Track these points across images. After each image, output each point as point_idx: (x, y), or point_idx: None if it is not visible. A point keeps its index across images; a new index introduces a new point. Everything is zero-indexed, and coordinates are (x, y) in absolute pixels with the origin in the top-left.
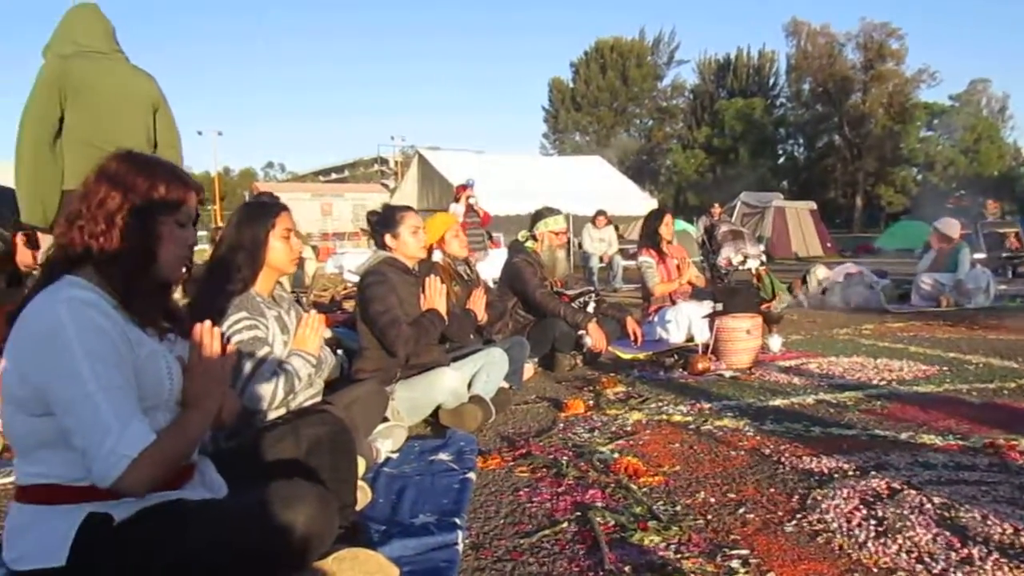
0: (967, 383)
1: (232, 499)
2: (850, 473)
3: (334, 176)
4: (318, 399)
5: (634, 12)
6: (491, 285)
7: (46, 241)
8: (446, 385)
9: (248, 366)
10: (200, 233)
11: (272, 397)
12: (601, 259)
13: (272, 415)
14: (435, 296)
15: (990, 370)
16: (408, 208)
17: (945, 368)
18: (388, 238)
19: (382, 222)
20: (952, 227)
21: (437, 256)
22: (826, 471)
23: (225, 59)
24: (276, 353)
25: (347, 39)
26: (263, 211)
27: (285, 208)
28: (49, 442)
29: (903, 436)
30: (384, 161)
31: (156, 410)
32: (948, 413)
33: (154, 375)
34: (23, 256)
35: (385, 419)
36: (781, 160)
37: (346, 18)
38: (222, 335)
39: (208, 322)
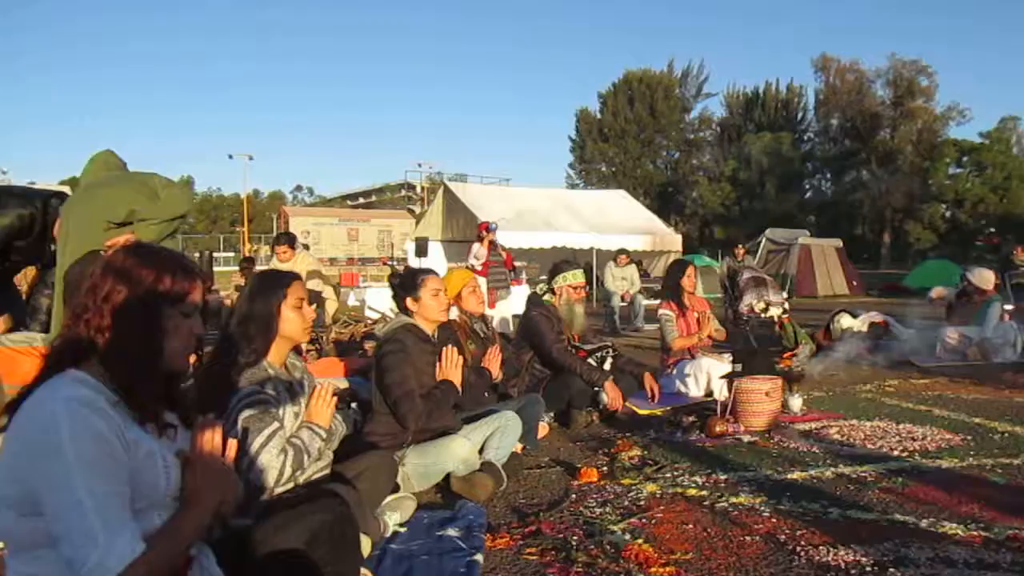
0: (992, 457)
1: None
2: (868, 569)
3: (361, 200)
4: (327, 471)
5: (663, 44)
6: (511, 320)
7: None
8: (457, 454)
9: (257, 442)
10: (227, 254)
11: (280, 474)
12: (623, 298)
13: (279, 490)
14: (451, 367)
15: (1015, 441)
16: (429, 271)
17: (969, 437)
18: (409, 301)
19: (403, 285)
20: (986, 280)
21: (454, 313)
22: (843, 565)
23: (257, 82)
24: (287, 426)
25: (377, 64)
26: (275, 282)
27: (297, 278)
28: (41, 543)
29: (923, 523)
30: (411, 187)
31: (151, 510)
32: (971, 495)
33: (150, 476)
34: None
35: (396, 486)
36: (808, 195)
37: (377, 44)
38: (224, 428)
39: (211, 415)
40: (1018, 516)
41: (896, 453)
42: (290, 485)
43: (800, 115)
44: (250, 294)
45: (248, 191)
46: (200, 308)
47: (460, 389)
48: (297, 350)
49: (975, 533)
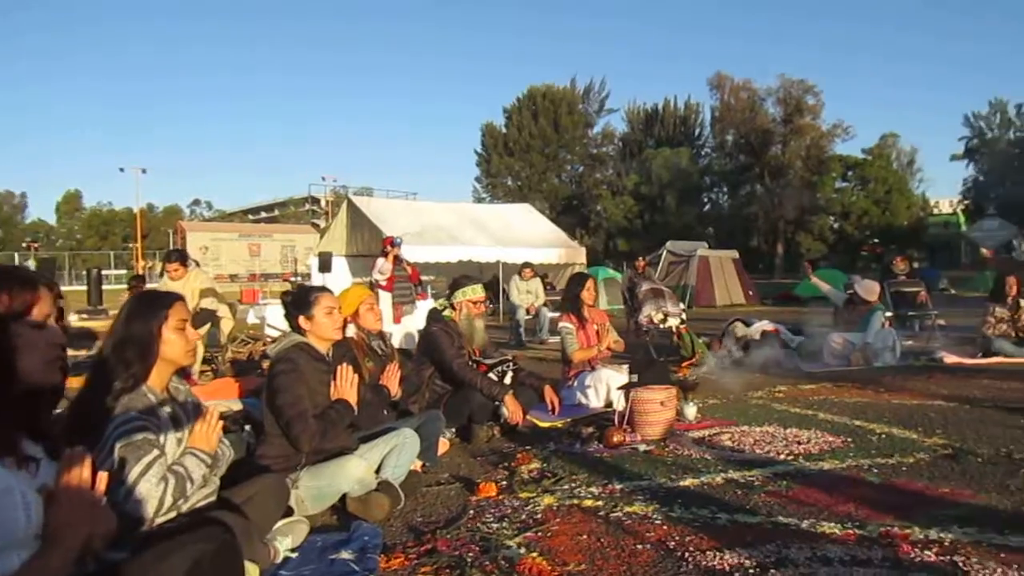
0: (869, 457)
1: None
2: (751, 571)
3: (263, 215)
4: (213, 498)
5: (566, 61)
6: (415, 334)
7: None
8: (352, 474)
9: (135, 471)
10: (119, 272)
11: (160, 503)
12: (528, 311)
13: (160, 520)
14: (346, 386)
15: (891, 441)
16: (323, 289)
17: (850, 439)
18: (302, 320)
19: (295, 303)
20: (870, 291)
21: (351, 331)
22: (727, 568)
23: (152, 94)
24: (168, 452)
25: (278, 76)
26: (155, 303)
27: (180, 298)
28: None
29: (804, 524)
30: (315, 201)
31: (10, 551)
32: (849, 495)
33: (7, 514)
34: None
35: (289, 509)
36: (706, 208)
37: (279, 54)
38: (97, 458)
39: (80, 447)
40: (890, 513)
41: (782, 457)
42: (172, 514)
43: (697, 131)
44: (127, 316)
45: (141, 205)
46: (56, 315)
47: (356, 408)
48: (183, 373)
49: (851, 531)
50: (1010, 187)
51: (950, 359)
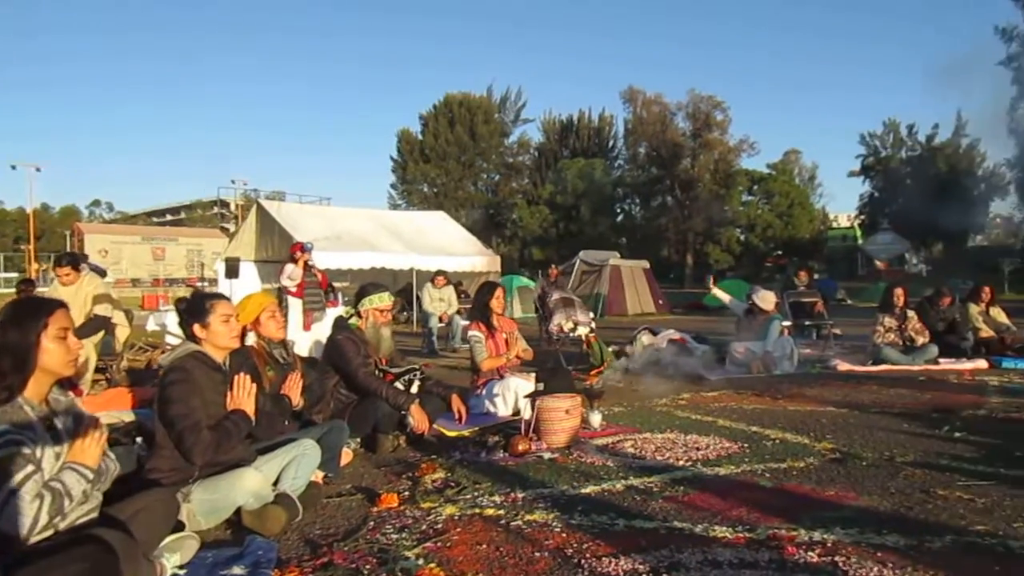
0: (763, 462)
1: None
2: None
3: (169, 218)
4: (95, 514)
5: (482, 70)
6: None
7: None
8: (247, 487)
9: (6, 488)
10: (9, 275)
11: (35, 521)
12: (441, 319)
13: (36, 538)
14: (243, 396)
15: (784, 447)
16: (219, 296)
17: (746, 445)
18: (197, 328)
19: (190, 311)
20: (767, 300)
21: (251, 339)
22: (622, 574)
23: (44, 85)
24: (46, 468)
25: (183, 76)
26: (34, 310)
27: (62, 305)
28: None
29: (698, 529)
30: (225, 204)
31: None
32: (742, 500)
33: None
34: None
35: (180, 524)
36: (620, 218)
37: (190, 53)
38: None
39: None
40: (779, 516)
41: (681, 463)
42: (49, 532)
43: (611, 143)
44: (2, 324)
45: (35, 205)
46: None
47: (254, 418)
48: (66, 384)
49: (741, 535)
50: (902, 203)
51: (843, 366)
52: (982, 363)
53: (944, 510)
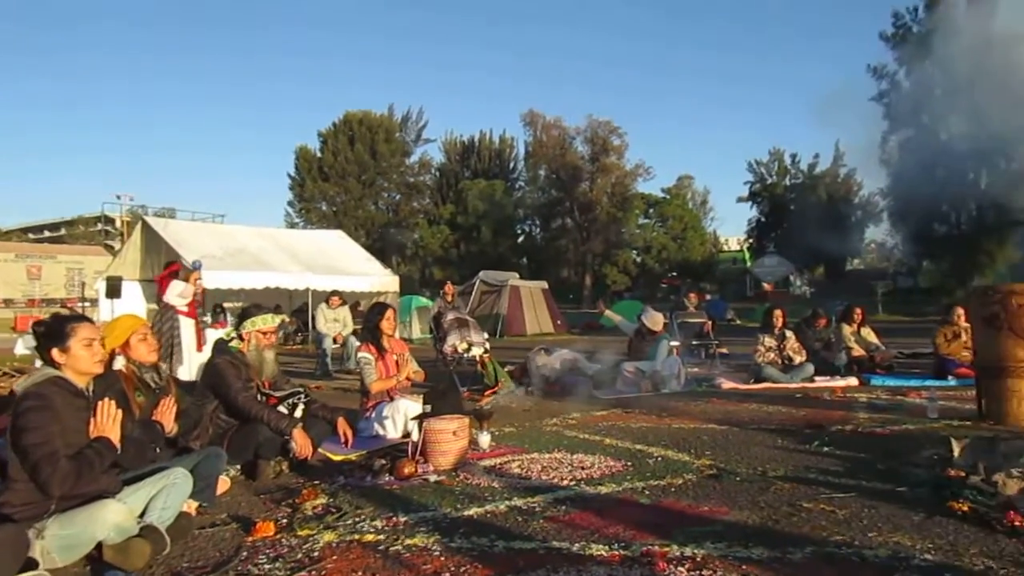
0: (644, 480)
1: None
2: None
3: (47, 234)
4: None
5: (383, 89)
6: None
7: None
8: (109, 519)
9: None
10: None
11: None
12: (335, 340)
13: None
14: (107, 422)
15: (666, 464)
16: (81, 318)
17: (630, 463)
18: (56, 352)
19: (48, 335)
20: (656, 321)
21: (119, 363)
22: None
23: None
24: None
25: (65, 84)
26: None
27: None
28: None
29: (575, 547)
30: (109, 220)
31: None
32: (620, 518)
33: None
34: None
35: (32, 562)
36: (520, 239)
37: (75, 65)
38: None
39: None
40: (654, 533)
41: (565, 483)
42: None
43: (512, 164)
44: None
45: None
46: None
47: (119, 446)
48: None
49: (616, 552)
50: (787, 228)
51: (727, 385)
52: (853, 380)
53: (807, 522)
